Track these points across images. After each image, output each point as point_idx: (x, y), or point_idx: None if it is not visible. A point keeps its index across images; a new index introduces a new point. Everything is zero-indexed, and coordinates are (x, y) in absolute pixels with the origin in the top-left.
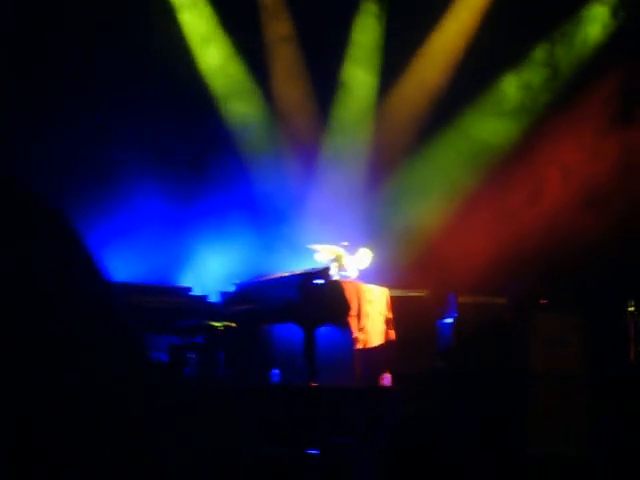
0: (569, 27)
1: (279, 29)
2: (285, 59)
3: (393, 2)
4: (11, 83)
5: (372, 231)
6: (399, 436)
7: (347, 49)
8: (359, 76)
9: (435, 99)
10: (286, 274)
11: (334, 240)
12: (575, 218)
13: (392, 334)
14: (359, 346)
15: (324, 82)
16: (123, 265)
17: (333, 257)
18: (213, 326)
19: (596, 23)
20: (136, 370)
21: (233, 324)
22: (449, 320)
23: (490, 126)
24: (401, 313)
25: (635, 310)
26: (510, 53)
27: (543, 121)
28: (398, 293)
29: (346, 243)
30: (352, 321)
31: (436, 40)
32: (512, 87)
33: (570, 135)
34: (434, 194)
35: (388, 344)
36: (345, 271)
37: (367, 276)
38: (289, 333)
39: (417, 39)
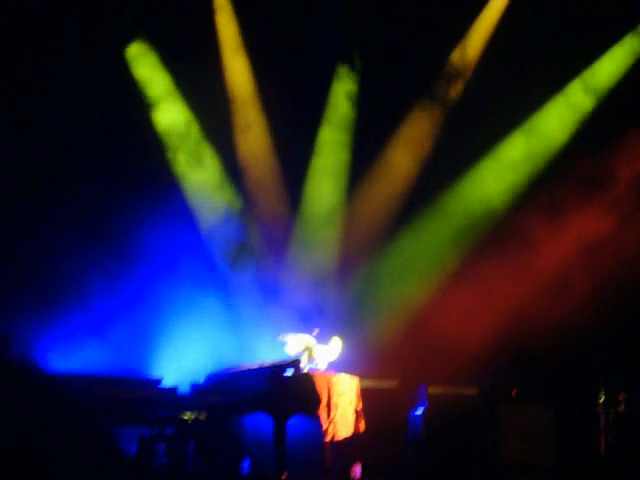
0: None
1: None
2: (254, 144)
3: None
4: None
5: (343, 320)
6: None
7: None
8: (329, 164)
9: (410, 183)
10: (256, 366)
11: (304, 329)
12: (543, 304)
13: (362, 426)
14: (328, 438)
15: (294, 167)
16: (94, 357)
17: (303, 348)
18: (183, 418)
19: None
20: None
21: (203, 416)
22: (419, 411)
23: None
24: (372, 404)
25: (605, 401)
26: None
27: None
28: (369, 384)
29: (316, 331)
30: (322, 413)
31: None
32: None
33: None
34: (404, 283)
35: (358, 435)
36: (315, 362)
37: (338, 365)
38: (260, 424)
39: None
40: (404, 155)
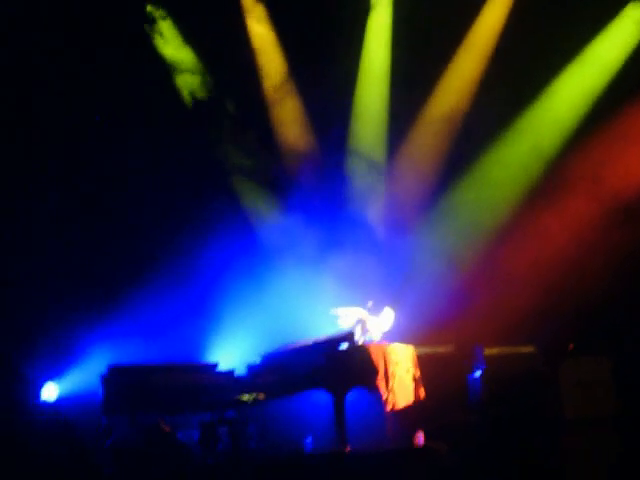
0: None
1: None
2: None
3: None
4: None
5: (395, 290)
6: None
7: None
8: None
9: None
10: (311, 341)
11: (357, 302)
12: (599, 255)
13: (422, 392)
14: (389, 408)
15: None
16: (150, 347)
17: (356, 320)
18: (242, 400)
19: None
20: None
21: (261, 396)
22: (477, 374)
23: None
24: (430, 370)
25: None
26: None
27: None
28: (425, 350)
29: (370, 304)
30: (380, 383)
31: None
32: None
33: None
34: (457, 244)
35: (418, 402)
36: (369, 333)
37: (392, 335)
38: (319, 399)
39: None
40: (452, 99)
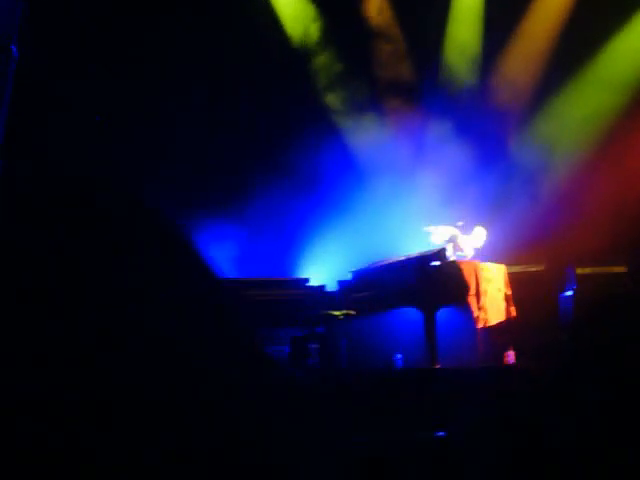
0: None
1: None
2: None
3: None
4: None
5: (486, 209)
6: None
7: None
8: (464, 38)
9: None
10: (402, 258)
11: (449, 220)
12: None
13: (513, 311)
14: (480, 325)
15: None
16: (240, 261)
17: (448, 238)
18: (333, 315)
19: None
20: (252, 367)
21: (353, 312)
22: (569, 293)
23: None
24: (521, 289)
25: None
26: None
27: None
28: (516, 269)
29: (461, 223)
30: (472, 300)
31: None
32: None
33: None
34: (550, 164)
35: (509, 321)
36: (461, 251)
37: (483, 254)
38: (411, 317)
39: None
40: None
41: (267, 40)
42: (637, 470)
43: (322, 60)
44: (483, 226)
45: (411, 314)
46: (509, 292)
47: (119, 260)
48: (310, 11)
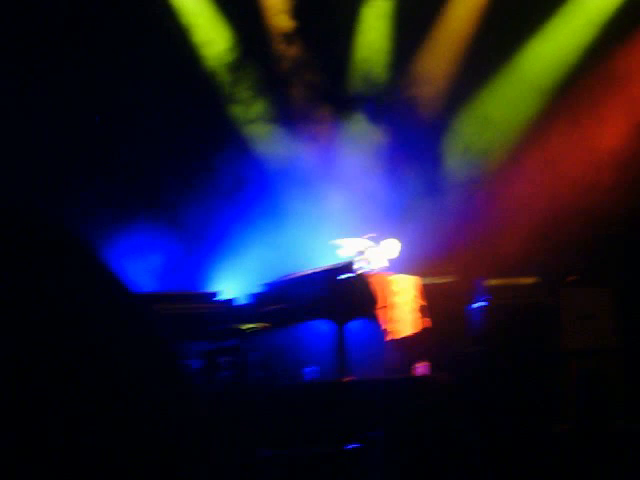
0: None
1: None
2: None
3: None
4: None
5: (398, 221)
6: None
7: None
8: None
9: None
10: (312, 271)
11: (361, 232)
12: (601, 189)
13: (427, 321)
14: (389, 338)
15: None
16: (150, 275)
17: (358, 251)
18: (243, 329)
19: None
20: (172, 377)
21: (262, 325)
22: (479, 304)
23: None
24: (431, 301)
25: None
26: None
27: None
28: (426, 281)
29: (373, 235)
30: (380, 313)
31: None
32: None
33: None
34: (462, 175)
35: (424, 332)
36: (371, 264)
37: (395, 266)
38: (320, 329)
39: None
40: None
41: (183, 50)
42: (542, 468)
43: (234, 73)
44: (395, 238)
45: (322, 327)
46: (424, 303)
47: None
48: (221, 26)
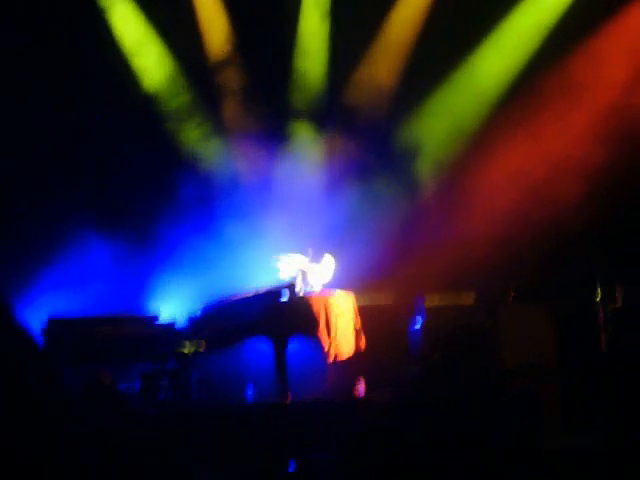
0: None
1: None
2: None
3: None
4: None
5: (335, 238)
6: (366, 447)
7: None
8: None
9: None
10: (251, 293)
11: (297, 249)
12: (537, 207)
13: (362, 343)
14: (331, 359)
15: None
16: (89, 299)
17: (297, 270)
18: (183, 351)
19: None
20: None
21: (202, 347)
22: (418, 325)
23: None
24: (371, 321)
25: (602, 298)
26: None
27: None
28: (365, 302)
29: (310, 251)
30: (322, 335)
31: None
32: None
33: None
34: (395, 195)
35: (359, 354)
36: (310, 284)
37: (332, 283)
38: (260, 351)
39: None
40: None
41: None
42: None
43: (173, 93)
44: (332, 254)
45: (262, 348)
46: (359, 324)
47: None
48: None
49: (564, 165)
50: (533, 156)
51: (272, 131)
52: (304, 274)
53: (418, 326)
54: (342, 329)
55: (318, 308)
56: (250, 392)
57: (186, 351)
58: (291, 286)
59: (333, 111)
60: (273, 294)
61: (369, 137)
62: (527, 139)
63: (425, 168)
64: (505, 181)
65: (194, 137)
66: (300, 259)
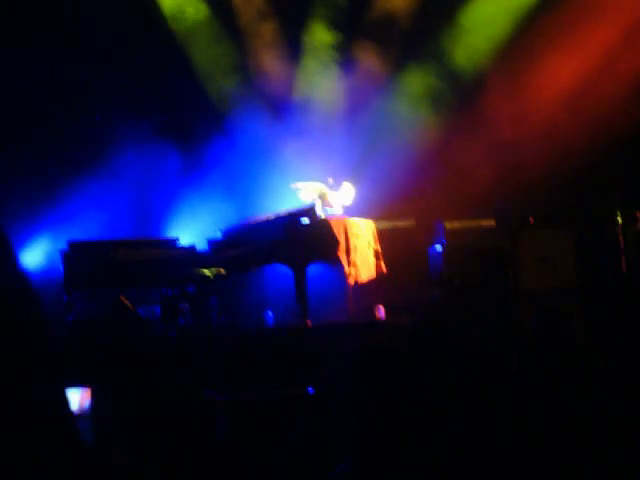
0: None
1: None
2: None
3: None
4: None
5: (354, 165)
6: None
7: None
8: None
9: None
10: (272, 216)
11: (317, 177)
12: (558, 132)
13: (382, 266)
14: (351, 281)
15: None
16: (110, 222)
17: (317, 195)
18: (203, 274)
19: None
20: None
21: (223, 270)
22: (438, 248)
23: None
24: (391, 244)
25: (623, 221)
26: None
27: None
28: (385, 225)
29: (330, 179)
30: (342, 256)
31: None
32: None
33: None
34: (415, 116)
35: (380, 277)
36: (330, 207)
37: (352, 210)
38: (281, 274)
39: None
40: None
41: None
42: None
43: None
44: (351, 182)
45: (282, 272)
46: (378, 248)
47: None
48: None
49: (600, 82)
50: (563, 73)
51: (291, 44)
52: (324, 198)
53: (438, 249)
54: (362, 251)
55: (338, 229)
56: (270, 316)
57: (207, 274)
58: (311, 209)
59: (359, 24)
60: (294, 216)
61: (397, 51)
62: (556, 54)
63: (450, 87)
64: (535, 98)
65: (214, 68)
66: (320, 185)
